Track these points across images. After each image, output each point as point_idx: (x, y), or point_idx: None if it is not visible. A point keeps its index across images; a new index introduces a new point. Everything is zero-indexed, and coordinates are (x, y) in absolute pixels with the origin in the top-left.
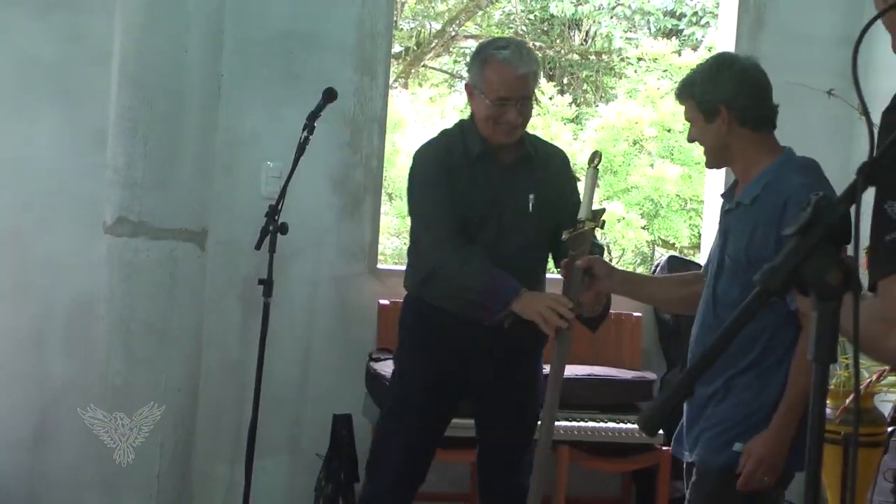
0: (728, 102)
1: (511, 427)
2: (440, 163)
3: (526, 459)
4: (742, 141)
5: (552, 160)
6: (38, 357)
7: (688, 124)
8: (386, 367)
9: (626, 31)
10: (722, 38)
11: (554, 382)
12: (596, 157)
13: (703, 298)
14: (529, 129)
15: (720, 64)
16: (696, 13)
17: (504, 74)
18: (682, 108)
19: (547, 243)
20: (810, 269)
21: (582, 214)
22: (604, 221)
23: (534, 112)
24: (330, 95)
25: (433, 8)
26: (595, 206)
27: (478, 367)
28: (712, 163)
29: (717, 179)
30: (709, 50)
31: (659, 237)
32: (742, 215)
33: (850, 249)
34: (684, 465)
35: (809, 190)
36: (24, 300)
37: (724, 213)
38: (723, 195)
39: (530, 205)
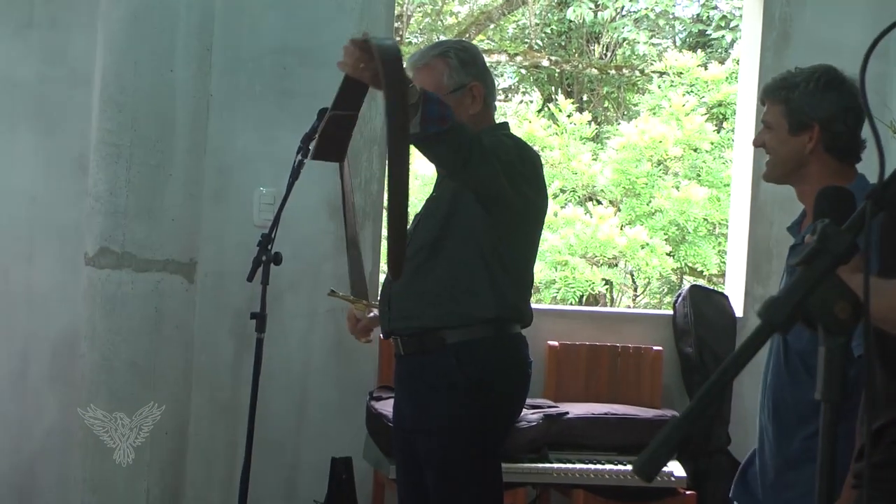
0: (825, 123)
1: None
2: None
3: None
4: (820, 165)
5: None
6: (20, 398)
7: (720, 136)
8: (388, 407)
9: (649, 38)
10: (746, 51)
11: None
12: None
13: (773, 345)
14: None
15: (830, 78)
16: (724, 17)
17: None
18: (753, 114)
19: (442, 241)
20: (816, 301)
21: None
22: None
23: (547, 129)
24: (325, 116)
25: (441, 22)
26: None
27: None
28: (777, 176)
29: (742, 201)
30: (735, 62)
31: (686, 264)
32: None
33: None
34: None
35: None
36: (4, 337)
37: (791, 250)
38: (789, 229)
39: (433, 191)
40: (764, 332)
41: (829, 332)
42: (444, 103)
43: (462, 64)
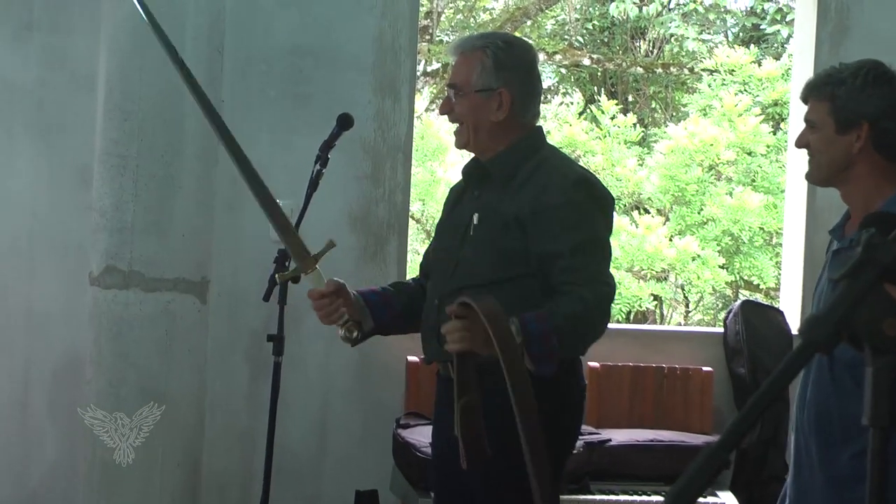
0: (874, 120)
1: None
2: (448, 194)
3: None
4: (868, 165)
5: (527, 184)
6: (21, 428)
7: (783, 135)
8: (416, 435)
9: (699, 33)
10: (800, 45)
11: None
12: None
13: (817, 357)
14: (565, 148)
15: (878, 74)
16: (779, 10)
17: None
18: (806, 107)
19: (505, 278)
20: (862, 318)
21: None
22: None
23: (590, 133)
24: (345, 122)
25: (474, 18)
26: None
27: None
28: (822, 178)
29: (797, 208)
30: (790, 58)
31: (741, 278)
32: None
33: None
34: None
35: None
36: (3, 360)
37: (834, 254)
38: (831, 232)
39: (472, 227)
40: (806, 352)
41: (876, 351)
42: (546, 332)
43: (496, 65)
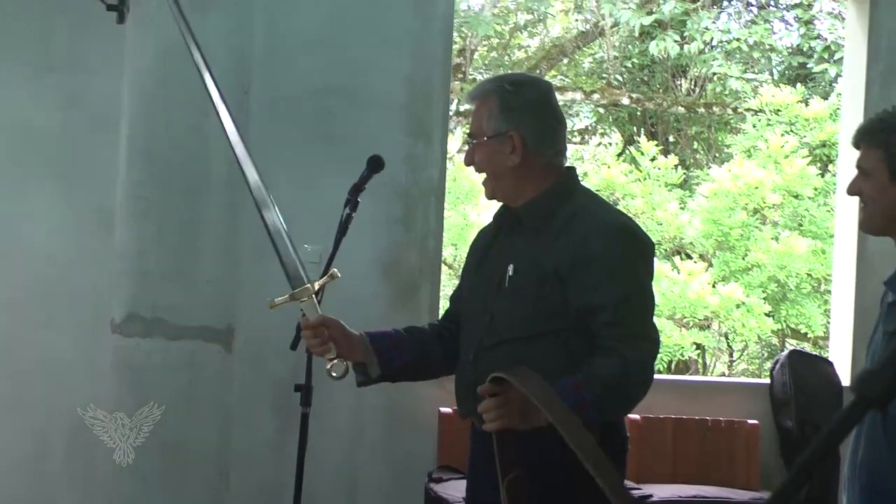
0: None
1: None
2: (476, 237)
3: None
4: None
5: (565, 233)
6: (37, 482)
7: (829, 181)
8: (450, 489)
9: (743, 72)
10: (849, 85)
11: None
12: None
13: (869, 414)
14: (604, 191)
15: None
16: (826, 48)
17: None
18: (857, 152)
19: (543, 332)
20: None
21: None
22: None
23: (629, 175)
24: (375, 165)
25: (509, 56)
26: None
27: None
28: (876, 227)
29: (847, 255)
30: (839, 97)
31: (788, 326)
32: None
33: None
34: None
35: None
36: (20, 413)
37: (890, 306)
38: (887, 283)
39: (507, 279)
40: (858, 408)
41: None
42: (582, 403)
43: (503, 108)
